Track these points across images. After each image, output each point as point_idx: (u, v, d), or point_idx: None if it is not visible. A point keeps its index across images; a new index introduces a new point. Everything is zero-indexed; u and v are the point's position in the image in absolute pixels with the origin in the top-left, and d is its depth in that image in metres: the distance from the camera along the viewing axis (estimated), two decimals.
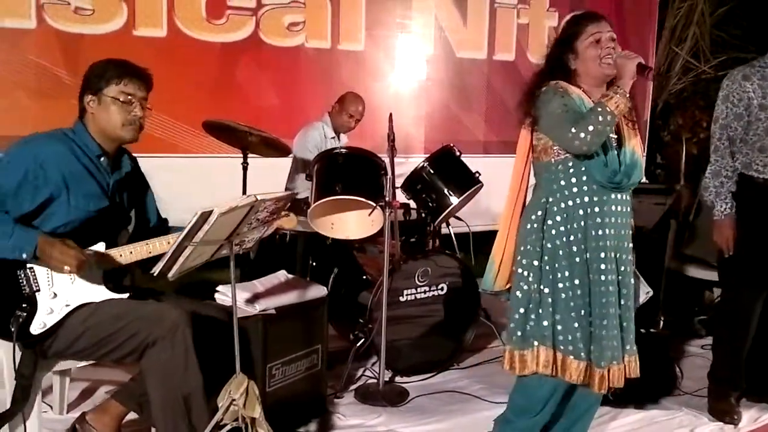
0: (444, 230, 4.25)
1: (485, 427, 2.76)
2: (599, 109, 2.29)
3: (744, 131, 3.10)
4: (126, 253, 2.41)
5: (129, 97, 2.45)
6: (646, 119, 6.60)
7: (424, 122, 5.79)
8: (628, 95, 2.34)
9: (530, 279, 2.41)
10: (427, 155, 3.89)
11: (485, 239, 5.31)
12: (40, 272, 2.33)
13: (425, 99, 5.79)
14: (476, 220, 4.41)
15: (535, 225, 2.42)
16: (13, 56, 4.40)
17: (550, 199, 2.42)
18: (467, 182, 3.78)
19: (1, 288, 2.29)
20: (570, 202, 2.39)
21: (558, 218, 2.39)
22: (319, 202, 3.41)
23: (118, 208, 2.53)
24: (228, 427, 2.30)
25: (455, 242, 4.31)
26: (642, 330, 3.74)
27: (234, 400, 2.28)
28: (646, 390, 3.38)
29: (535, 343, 2.39)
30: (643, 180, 4.65)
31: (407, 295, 3.56)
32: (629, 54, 2.38)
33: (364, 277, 3.74)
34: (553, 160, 2.42)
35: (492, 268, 2.56)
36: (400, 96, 5.66)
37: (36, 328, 2.31)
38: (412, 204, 3.90)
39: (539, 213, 2.42)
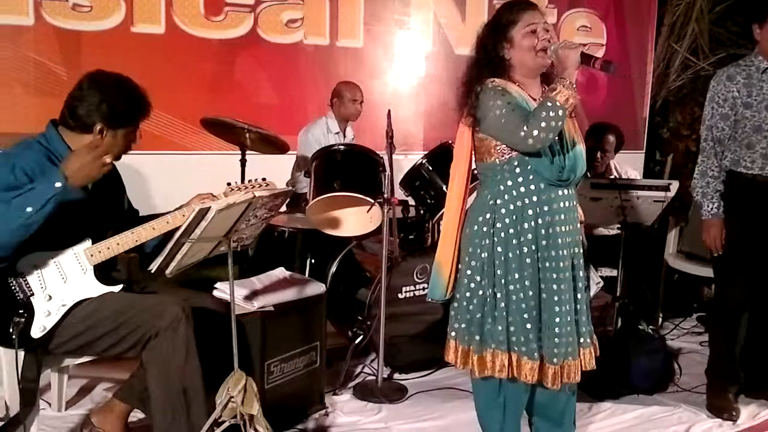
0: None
1: None
2: (549, 104, 2.22)
3: (732, 130, 3.11)
4: (113, 245, 2.42)
5: (137, 128, 2.50)
6: (644, 116, 6.61)
7: (423, 119, 5.78)
8: (575, 87, 2.26)
9: (483, 283, 2.39)
10: (426, 152, 3.89)
11: None
12: (32, 277, 2.34)
13: (424, 96, 5.78)
14: None
15: (484, 228, 2.38)
16: (11, 53, 4.39)
17: (498, 201, 2.37)
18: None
19: None
20: (519, 203, 2.36)
21: (507, 220, 2.36)
22: (318, 198, 3.40)
23: (99, 206, 2.51)
24: (226, 424, 2.30)
25: None
26: (640, 326, 3.77)
27: (232, 397, 2.28)
28: (645, 386, 3.40)
29: (493, 346, 2.38)
30: (638, 176, 4.69)
31: (406, 292, 3.55)
32: (570, 43, 2.32)
33: (363, 274, 3.74)
34: (497, 160, 2.37)
35: (441, 275, 2.49)
36: (399, 93, 5.65)
37: (36, 331, 2.32)
38: (411, 201, 3.89)
39: (487, 216, 2.38)
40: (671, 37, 6.70)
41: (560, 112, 2.22)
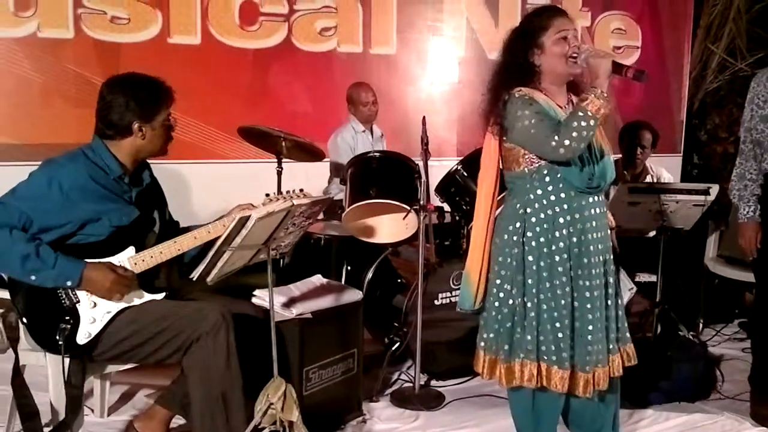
0: None
1: None
2: (580, 114, 2.20)
3: None
4: (156, 254, 2.45)
5: (170, 114, 2.51)
6: (682, 119, 6.51)
7: (457, 125, 5.76)
8: (606, 96, 2.23)
9: (513, 292, 2.37)
10: (461, 158, 3.88)
11: None
12: None
13: (457, 101, 5.77)
14: None
15: (514, 237, 2.37)
16: (52, 66, 4.49)
17: (528, 210, 2.36)
18: (501, 185, 3.75)
19: (42, 304, 2.34)
20: (549, 212, 2.34)
21: (538, 229, 2.34)
22: (354, 206, 3.42)
23: (144, 215, 2.56)
24: (266, 431, 2.32)
25: None
26: (680, 332, 3.72)
27: (272, 403, 2.30)
28: (687, 393, 3.34)
29: (521, 355, 2.36)
30: (671, 179, 4.62)
31: (442, 298, 3.55)
32: (601, 52, 2.30)
33: (399, 280, 3.74)
34: (526, 169, 2.36)
35: (470, 285, 2.47)
36: (432, 99, 5.65)
37: (82, 338, 2.36)
38: (446, 207, 3.88)
39: (517, 225, 2.37)
40: (708, 38, 6.60)
41: (591, 122, 2.20)
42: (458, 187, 3.73)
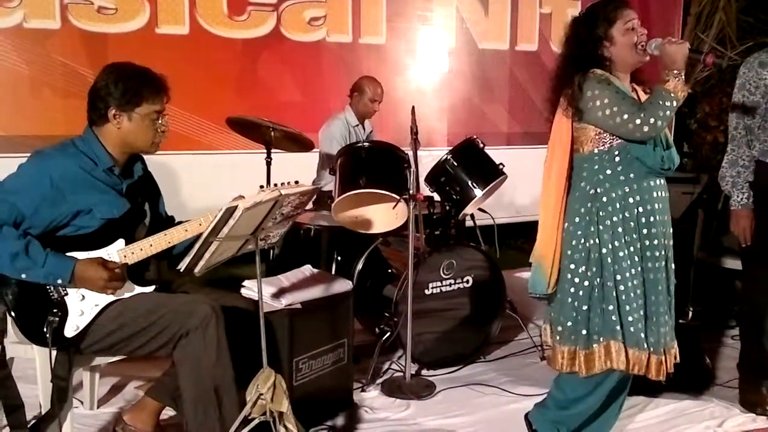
0: (468, 222, 4.23)
1: (512, 419, 2.75)
2: (664, 94, 2.27)
3: (762, 119, 3.05)
4: (146, 246, 2.44)
5: (159, 113, 2.46)
6: None
7: (447, 115, 5.76)
8: (684, 80, 2.31)
9: (589, 274, 2.38)
10: (451, 147, 3.88)
11: (510, 231, 5.29)
12: None
13: (448, 91, 5.77)
14: (501, 212, 4.39)
15: (587, 218, 2.39)
16: (39, 56, 4.46)
17: (599, 190, 2.38)
18: (491, 174, 3.76)
19: (30, 296, 2.32)
20: (620, 191, 2.37)
21: (610, 208, 2.37)
22: (343, 196, 3.41)
23: (134, 208, 2.54)
24: (256, 422, 2.31)
25: (479, 234, 4.28)
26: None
27: (262, 394, 2.29)
28: (677, 381, 3.35)
29: (602, 339, 2.36)
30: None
31: (432, 288, 3.55)
32: (677, 39, 2.35)
33: (389, 270, 3.73)
34: (596, 150, 2.39)
35: (542, 269, 2.45)
36: (423, 89, 5.64)
37: (69, 331, 2.34)
38: (436, 197, 3.88)
39: (588, 205, 2.39)
40: (698, 26, 6.62)
41: (675, 103, 2.27)
42: (448, 177, 3.74)
